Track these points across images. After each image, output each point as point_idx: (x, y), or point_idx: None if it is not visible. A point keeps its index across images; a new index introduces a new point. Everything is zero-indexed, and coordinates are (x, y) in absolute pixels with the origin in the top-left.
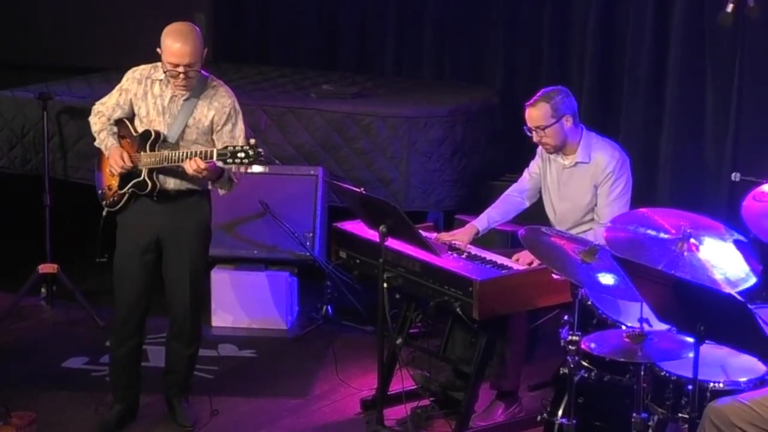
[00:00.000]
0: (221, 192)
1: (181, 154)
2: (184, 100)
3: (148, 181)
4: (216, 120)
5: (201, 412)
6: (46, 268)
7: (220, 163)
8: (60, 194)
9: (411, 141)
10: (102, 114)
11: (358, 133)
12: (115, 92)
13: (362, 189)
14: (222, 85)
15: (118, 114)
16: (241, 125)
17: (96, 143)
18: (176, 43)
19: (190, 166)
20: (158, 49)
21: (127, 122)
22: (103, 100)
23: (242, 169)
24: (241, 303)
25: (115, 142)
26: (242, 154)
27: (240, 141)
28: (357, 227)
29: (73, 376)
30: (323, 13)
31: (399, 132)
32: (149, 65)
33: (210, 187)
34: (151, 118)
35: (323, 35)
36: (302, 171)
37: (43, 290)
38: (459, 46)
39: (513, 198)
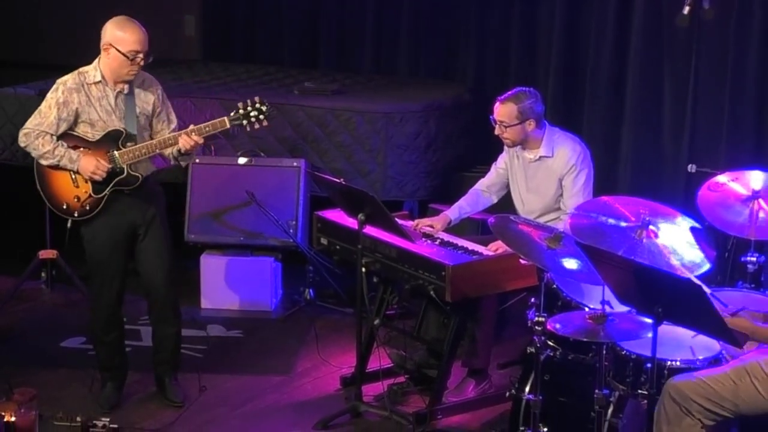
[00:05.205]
0: (183, 164)
1: (161, 141)
2: (125, 94)
3: (134, 175)
4: (156, 103)
5: (190, 388)
6: (46, 253)
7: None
8: None
9: (388, 135)
10: (44, 134)
11: (338, 128)
12: (49, 109)
13: (342, 180)
14: (143, 71)
15: (63, 128)
16: (169, 104)
17: (51, 162)
18: (138, 31)
19: (186, 143)
20: (106, 43)
21: (73, 133)
22: (35, 121)
23: (256, 126)
24: (229, 286)
25: (76, 152)
26: (255, 113)
27: (174, 119)
28: (337, 215)
29: (71, 354)
30: (306, 16)
31: (376, 126)
32: (73, 74)
33: (173, 162)
34: (103, 119)
35: (306, 36)
36: (286, 163)
37: (43, 274)
38: (433, 45)
39: (482, 193)
